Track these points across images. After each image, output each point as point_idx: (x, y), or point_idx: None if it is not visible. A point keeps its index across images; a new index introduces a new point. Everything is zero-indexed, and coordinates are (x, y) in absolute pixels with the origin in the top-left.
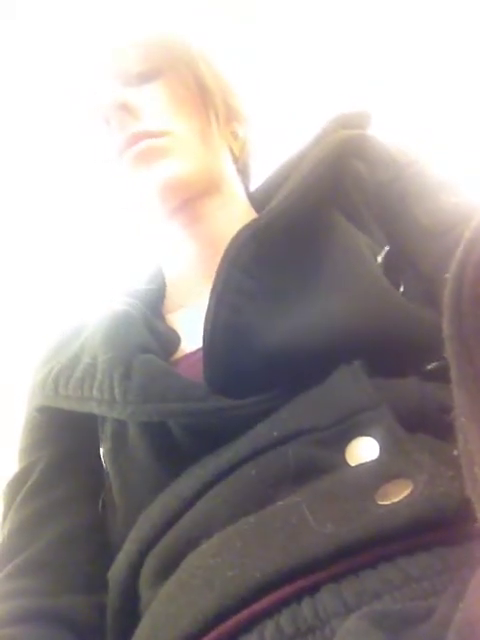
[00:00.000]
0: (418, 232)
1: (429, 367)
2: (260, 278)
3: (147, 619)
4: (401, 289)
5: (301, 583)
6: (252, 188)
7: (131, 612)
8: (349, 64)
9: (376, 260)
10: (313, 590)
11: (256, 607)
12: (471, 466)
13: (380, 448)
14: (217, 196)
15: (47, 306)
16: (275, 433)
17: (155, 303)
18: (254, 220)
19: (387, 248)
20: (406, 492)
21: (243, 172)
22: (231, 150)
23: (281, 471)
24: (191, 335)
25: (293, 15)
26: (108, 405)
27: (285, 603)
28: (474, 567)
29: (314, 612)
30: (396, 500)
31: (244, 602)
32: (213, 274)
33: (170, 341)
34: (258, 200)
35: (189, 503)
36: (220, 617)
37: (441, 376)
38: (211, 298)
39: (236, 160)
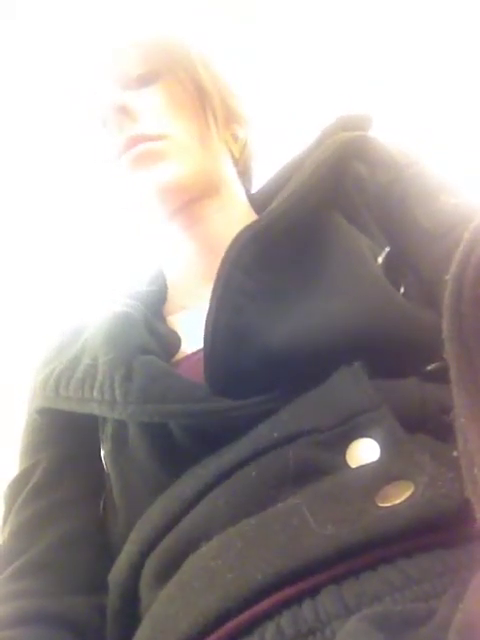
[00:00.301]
0: (418, 233)
1: (429, 368)
2: (261, 279)
3: (147, 621)
4: (401, 290)
5: (302, 585)
6: (254, 190)
7: (131, 613)
8: (349, 64)
9: (376, 261)
10: (314, 592)
11: (257, 609)
12: (471, 467)
13: (381, 449)
14: (216, 198)
15: (47, 306)
16: (276, 434)
17: (156, 305)
18: (255, 221)
19: (387, 249)
20: (407, 494)
21: (244, 174)
22: (231, 152)
23: (282, 472)
24: (192, 336)
25: (293, 15)
26: (109, 406)
27: (286, 605)
28: (474, 569)
29: (315, 614)
30: (397, 502)
31: (245, 604)
32: (213, 276)
33: (171, 342)
34: (259, 202)
35: (190, 504)
36: (221, 619)
37: (441, 377)
38: (212, 299)
39: (236, 162)
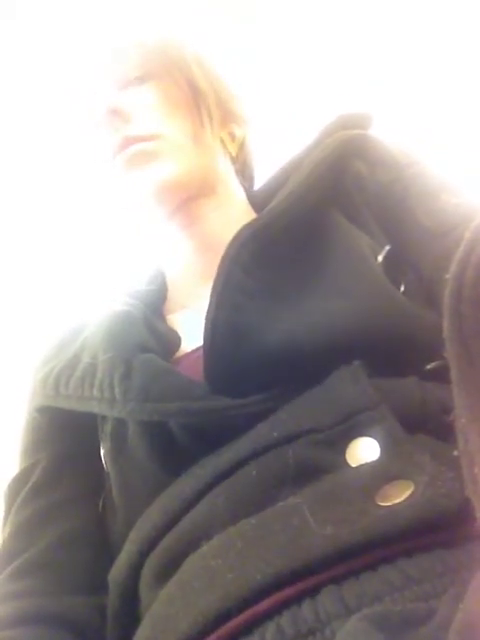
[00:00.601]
0: (419, 232)
1: (429, 367)
2: (260, 277)
3: (147, 621)
4: (402, 288)
5: (302, 585)
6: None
7: (131, 613)
8: (349, 64)
9: (377, 260)
10: (313, 592)
11: (257, 609)
12: (471, 467)
13: (381, 449)
14: (213, 197)
15: (45, 305)
16: (275, 433)
17: (156, 304)
18: (255, 219)
19: (388, 248)
20: (407, 493)
21: (242, 173)
22: (228, 151)
23: (281, 472)
24: (191, 335)
25: (293, 15)
26: (108, 404)
27: (286, 605)
28: (474, 569)
29: (315, 614)
30: (397, 502)
31: (245, 604)
32: (213, 274)
33: (170, 341)
34: (259, 201)
35: (189, 504)
36: (221, 619)
37: (441, 376)
38: (212, 297)
39: (234, 161)
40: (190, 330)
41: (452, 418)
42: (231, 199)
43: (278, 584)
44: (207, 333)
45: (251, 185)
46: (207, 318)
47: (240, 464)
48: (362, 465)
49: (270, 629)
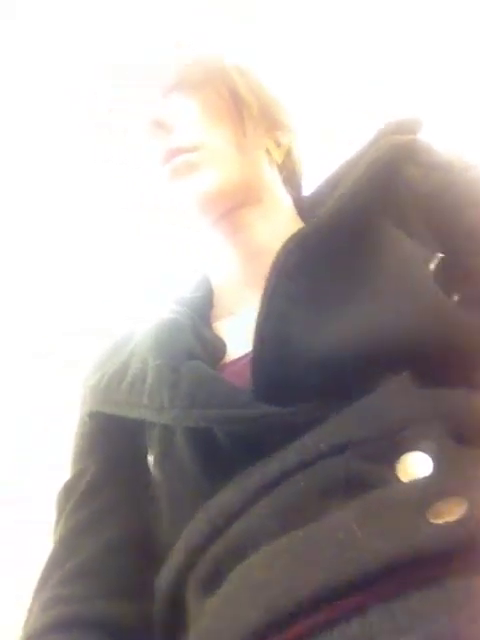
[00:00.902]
0: (473, 239)
1: None
2: (308, 286)
3: (194, 634)
4: (455, 297)
5: (350, 601)
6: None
7: (178, 620)
8: (349, 64)
9: (428, 267)
10: (362, 609)
11: (303, 625)
12: None
13: (433, 464)
14: (258, 206)
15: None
16: (323, 445)
17: (202, 310)
18: (303, 228)
19: (440, 255)
20: (460, 511)
21: (289, 180)
22: (274, 159)
23: (330, 484)
24: (238, 342)
25: (293, 15)
26: (156, 410)
27: (334, 621)
28: None
29: (364, 632)
30: (450, 520)
31: (291, 619)
32: (259, 282)
33: (217, 348)
34: (307, 208)
35: (236, 513)
36: (265, 635)
37: None
38: (260, 306)
39: (279, 169)
40: (236, 337)
41: None
42: (277, 207)
43: (326, 599)
44: (255, 342)
45: (299, 192)
46: (256, 327)
47: (287, 475)
48: (414, 481)
49: None
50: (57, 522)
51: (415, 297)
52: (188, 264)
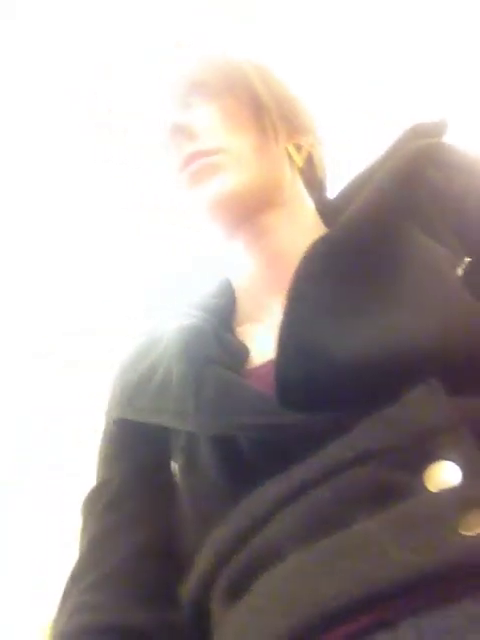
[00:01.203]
0: None
1: None
2: (332, 292)
3: None
4: None
5: (378, 614)
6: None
7: (203, 628)
8: (349, 64)
9: (456, 272)
10: (391, 622)
11: (329, 637)
12: None
13: (462, 474)
14: (280, 209)
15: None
16: (349, 453)
17: (225, 316)
18: (327, 233)
19: (467, 260)
20: None
21: (311, 184)
22: (295, 163)
23: (356, 493)
24: (261, 348)
25: (293, 15)
26: (180, 417)
27: (360, 635)
28: None
29: None
30: None
31: (316, 632)
32: (282, 287)
33: (240, 354)
34: (330, 212)
35: (261, 522)
36: None
37: None
38: (284, 311)
39: (302, 173)
40: (260, 343)
41: None
42: (300, 211)
43: (353, 612)
44: (279, 348)
45: (322, 196)
46: (280, 333)
47: (313, 483)
48: (442, 491)
49: None
50: (83, 528)
51: (443, 303)
52: (193, 265)
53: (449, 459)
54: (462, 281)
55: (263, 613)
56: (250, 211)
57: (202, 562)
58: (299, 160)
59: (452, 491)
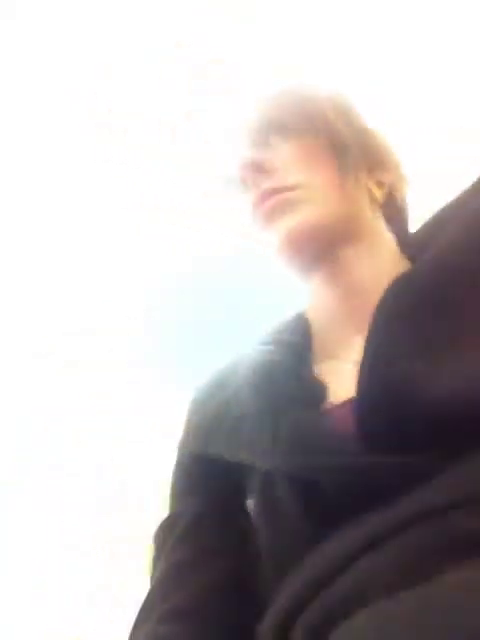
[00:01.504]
0: None
1: None
2: (416, 329)
3: None
4: None
5: None
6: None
7: None
8: (349, 64)
9: None
10: None
11: None
12: None
13: None
14: (358, 245)
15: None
16: (438, 499)
17: (303, 353)
18: (412, 268)
19: None
20: None
21: (392, 219)
22: (375, 198)
23: (444, 542)
24: (340, 386)
25: (293, 15)
26: (257, 455)
27: None
28: None
29: None
30: None
31: None
32: (361, 324)
33: (318, 392)
34: (413, 246)
35: (342, 566)
36: None
37: None
38: (366, 349)
39: (382, 208)
40: (339, 381)
41: None
42: (379, 246)
43: None
44: (362, 387)
45: (404, 231)
46: (362, 371)
47: (399, 529)
48: None
49: None
50: (157, 557)
51: None
52: (193, 265)
53: None
54: None
55: None
56: (328, 245)
57: (280, 603)
58: (380, 196)
59: None
